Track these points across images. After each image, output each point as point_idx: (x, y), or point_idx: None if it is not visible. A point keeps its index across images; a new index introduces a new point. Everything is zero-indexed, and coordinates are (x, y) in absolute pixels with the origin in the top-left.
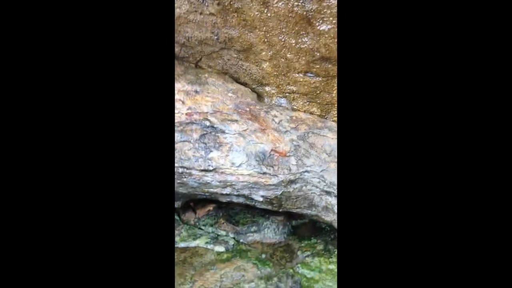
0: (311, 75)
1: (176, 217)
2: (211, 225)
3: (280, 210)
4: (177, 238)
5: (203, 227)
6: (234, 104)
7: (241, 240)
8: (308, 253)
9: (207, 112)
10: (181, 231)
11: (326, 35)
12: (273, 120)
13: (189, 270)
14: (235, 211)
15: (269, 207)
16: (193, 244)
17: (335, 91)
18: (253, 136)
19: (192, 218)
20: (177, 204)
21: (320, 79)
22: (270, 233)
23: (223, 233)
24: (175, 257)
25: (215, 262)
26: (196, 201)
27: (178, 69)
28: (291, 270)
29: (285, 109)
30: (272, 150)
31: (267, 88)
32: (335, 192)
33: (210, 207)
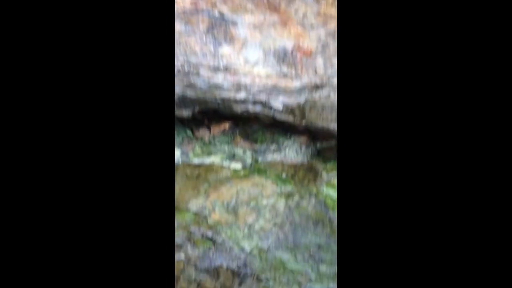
0: None
1: (189, 133)
2: (227, 143)
3: (303, 123)
4: (190, 154)
5: (218, 145)
6: None
7: (259, 159)
8: (335, 173)
9: (215, 0)
10: (195, 146)
11: None
12: (296, 12)
13: (203, 185)
14: (253, 129)
15: (290, 119)
16: (207, 160)
17: None
18: (271, 30)
19: (207, 135)
20: (186, 112)
21: None
22: (292, 153)
23: (240, 151)
24: (189, 173)
25: (231, 178)
26: (210, 118)
27: None
28: (314, 189)
29: (312, 3)
30: (294, 47)
31: None
32: None
33: (226, 125)
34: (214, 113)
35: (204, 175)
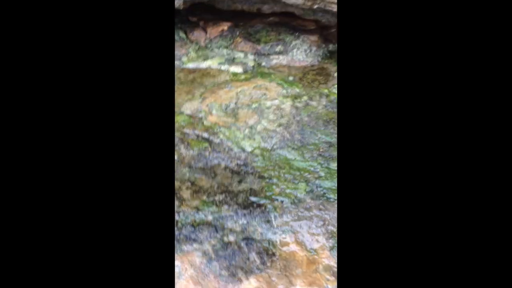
0: None
1: (183, 35)
2: (226, 47)
3: (315, 6)
4: (184, 59)
5: (215, 49)
6: None
7: (263, 63)
8: None
9: None
10: (189, 51)
11: None
12: None
13: (199, 89)
14: (256, 28)
15: (299, 1)
16: (203, 65)
17: None
18: None
19: (203, 38)
20: (177, 3)
21: None
22: (300, 54)
23: (241, 54)
24: (182, 77)
25: (230, 82)
26: (206, 19)
27: None
28: (326, 91)
29: None
30: None
31: None
32: None
33: (225, 26)
34: (209, 9)
35: (199, 80)
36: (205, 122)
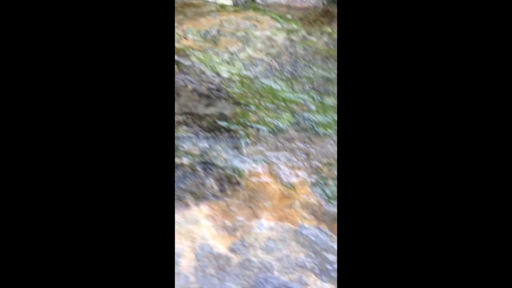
0: None
1: None
2: None
3: None
4: None
5: None
6: None
7: (257, 0)
8: None
9: None
10: None
11: None
12: None
13: (177, 16)
14: None
15: None
16: None
17: None
18: None
19: None
20: None
21: None
22: None
23: None
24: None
25: (216, 12)
26: None
27: None
28: (328, 29)
29: None
30: None
31: None
32: None
33: None
34: None
35: (180, 9)
36: (176, 45)
